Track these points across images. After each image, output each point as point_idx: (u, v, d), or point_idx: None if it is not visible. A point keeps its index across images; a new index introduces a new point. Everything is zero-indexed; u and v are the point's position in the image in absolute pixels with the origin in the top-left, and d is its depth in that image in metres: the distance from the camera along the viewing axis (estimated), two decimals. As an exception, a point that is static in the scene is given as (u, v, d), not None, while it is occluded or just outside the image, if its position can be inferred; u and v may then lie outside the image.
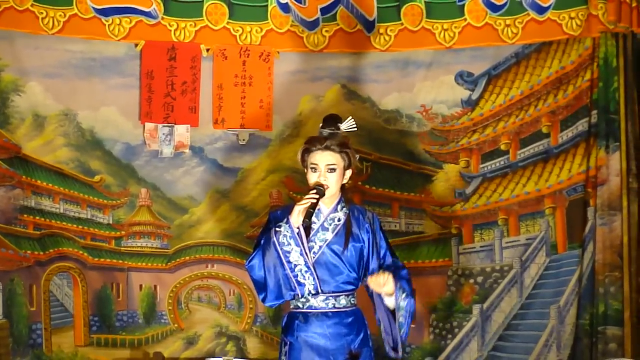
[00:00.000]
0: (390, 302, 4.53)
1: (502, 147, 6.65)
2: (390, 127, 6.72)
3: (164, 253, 6.73)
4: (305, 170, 4.60)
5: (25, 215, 6.48)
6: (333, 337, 4.58)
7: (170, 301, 6.71)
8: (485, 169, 6.69)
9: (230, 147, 6.69)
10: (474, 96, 6.69)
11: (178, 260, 6.73)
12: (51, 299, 6.54)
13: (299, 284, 4.55)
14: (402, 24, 6.60)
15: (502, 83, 6.68)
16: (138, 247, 6.72)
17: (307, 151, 4.57)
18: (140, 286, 6.71)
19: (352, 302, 4.65)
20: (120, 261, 6.70)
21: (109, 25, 6.49)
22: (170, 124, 6.60)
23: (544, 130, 6.57)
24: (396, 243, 6.61)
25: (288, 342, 4.62)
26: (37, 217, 6.51)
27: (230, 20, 6.60)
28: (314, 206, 4.46)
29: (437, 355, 6.61)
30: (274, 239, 4.52)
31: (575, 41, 6.50)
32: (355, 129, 4.68)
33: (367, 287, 4.63)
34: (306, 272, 4.55)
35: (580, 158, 6.46)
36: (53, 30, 6.40)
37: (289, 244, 4.51)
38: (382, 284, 4.42)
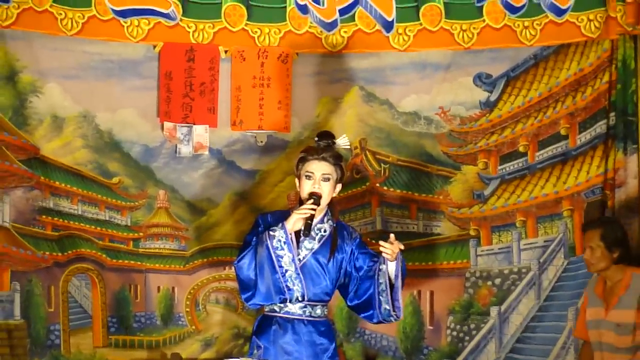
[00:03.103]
0: (391, 266, 4.71)
1: (521, 148, 6.64)
2: (408, 129, 6.72)
3: (182, 255, 6.73)
4: (298, 179, 4.78)
5: (44, 217, 6.49)
6: (308, 345, 4.77)
7: (188, 303, 6.71)
8: (504, 170, 6.68)
9: (248, 149, 6.69)
10: (493, 98, 6.68)
11: (196, 262, 6.73)
12: (69, 300, 6.55)
13: (289, 289, 4.70)
14: (420, 24, 6.59)
15: (520, 85, 6.67)
16: (156, 248, 6.72)
17: (303, 160, 4.78)
18: (158, 288, 6.72)
19: (325, 312, 4.87)
20: (139, 263, 6.70)
21: (127, 26, 6.49)
22: (188, 124, 6.59)
23: (563, 132, 6.56)
24: (414, 245, 6.67)
25: (262, 346, 4.77)
26: (56, 218, 6.51)
27: (249, 22, 6.58)
28: (311, 217, 4.58)
29: (454, 358, 6.61)
30: (268, 242, 4.65)
31: (594, 43, 6.48)
32: (349, 146, 4.94)
33: (349, 292, 4.82)
34: (295, 278, 4.70)
35: (598, 160, 6.45)
36: (72, 31, 6.40)
37: (283, 248, 4.66)
38: (392, 247, 4.63)
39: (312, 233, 4.75)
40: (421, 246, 6.63)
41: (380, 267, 4.72)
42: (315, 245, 4.78)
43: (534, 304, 6.55)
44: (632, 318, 5.48)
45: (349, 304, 4.92)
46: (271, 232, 4.69)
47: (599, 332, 5.64)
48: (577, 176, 6.50)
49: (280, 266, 4.69)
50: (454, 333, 6.64)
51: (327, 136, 4.86)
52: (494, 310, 6.58)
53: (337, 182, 4.81)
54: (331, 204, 4.87)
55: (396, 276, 4.70)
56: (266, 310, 4.85)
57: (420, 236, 6.69)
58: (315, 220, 4.76)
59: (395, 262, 4.69)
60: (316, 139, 4.86)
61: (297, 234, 4.73)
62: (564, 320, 6.45)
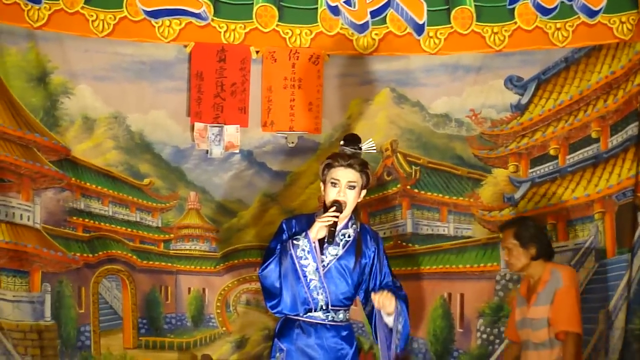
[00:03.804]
0: (389, 320, 4.71)
1: (552, 152, 6.64)
2: (439, 131, 6.71)
3: (213, 256, 6.73)
4: (323, 185, 4.76)
5: (75, 218, 6.50)
6: (329, 350, 4.77)
7: (218, 304, 6.72)
8: (534, 173, 6.67)
9: (279, 151, 6.68)
10: (524, 101, 6.67)
11: (226, 263, 6.73)
12: (100, 301, 6.56)
13: (313, 299, 4.69)
14: (452, 27, 6.58)
15: (551, 88, 6.66)
16: (187, 250, 6.72)
17: (329, 166, 4.76)
18: (189, 289, 6.73)
19: (347, 317, 4.87)
20: (169, 264, 6.70)
21: (158, 27, 6.48)
22: (219, 124, 6.59)
23: (594, 135, 6.54)
24: (444, 247, 6.68)
25: (285, 349, 4.78)
26: (86, 220, 6.52)
27: (280, 23, 6.58)
28: (335, 224, 4.57)
29: (484, 360, 6.64)
30: (292, 251, 4.65)
31: (626, 45, 6.47)
32: (375, 150, 4.90)
33: (364, 303, 4.89)
34: (320, 287, 4.68)
35: (629, 163, 6.43)
36: (103, 33, 6.40)
37: (307, 258, 4.67)
38: (384, 302, 4.62)
39: (337, 239, 4.75)
40: (452, 249, 6.63)
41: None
42: (340, 251, 4.78)
43: (565, 307, 6.54)
44: (545, 313, 5.55)
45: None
46: (295, 241, 4.69)
47: (525, 332, 5.71)
48: (608, 179, 6.49)
49: (305, 276, 4.69)
50: (484, 336, 6.63)
51: (353, 141, 4.83)
52: (524, 314, 6.58)
53: (362, 188, 4.80)
54: (356, 209, 4.86)
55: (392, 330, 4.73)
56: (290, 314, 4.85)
57: (451, 239, 6.69)
58: (339, 226, 4.76)
59: (392, 316, 4.70)
60: (342, 143, 4.84)
61: (321, 240, 4.73)
62: (594, 323, 6.43)
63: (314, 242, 4.68)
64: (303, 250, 4.67)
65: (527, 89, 6.66)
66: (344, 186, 4.70)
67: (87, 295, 6.52)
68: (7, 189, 6.31)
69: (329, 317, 4.78)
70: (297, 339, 4.79)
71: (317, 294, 4.71)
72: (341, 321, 4.81)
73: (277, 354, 4.85)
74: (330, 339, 4.78)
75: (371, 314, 4.84)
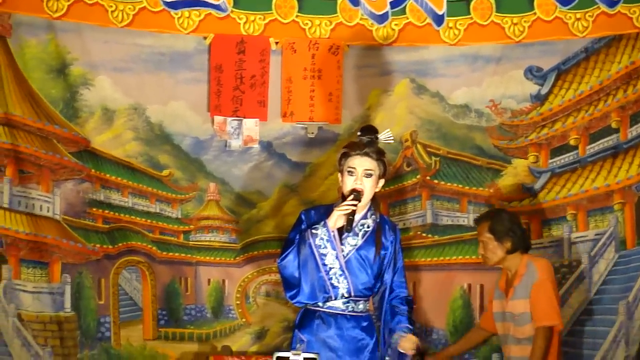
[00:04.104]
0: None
1: (572, 142, 6.62)
2: (459, 122, 6.70)
3: (232, 247, 6.73)
4: (340, 175, 4.76)
5: (94, 209, 6.50)
6: (350, 340, 4.80)
7: (238, 295, 6.72)
8: (554, 164, 6.66)
9: (298, 142, 6.68)
10: (543, 91, 6.66)
11: (246, 254, 6.73)
12: (120, 292, 6.56)
13: (333, 287, 4.71)
14: (471, 18, 6.57)
15: (571, 78, 6.64)
16: (206, 241, 6.72)
17: (345, 155, 4.78)
18: (209, 280, 6.72)
19: (367, 307, 4.91)
20: (189, 255, 6.70)
21: (178, 18, 6.48)
22: (239, 118, 6.58)
23: (614, 125, 6.52)
24: (464, 238, 6.66)
25: (305, 340, 4.80)
26: (106, 211, 6.52)
27: (300, 14, 6.57)
28: (353, 213, 4.57)
29: (504, 351, 6.61)
30: (310, 240, 4.66)
31: (646, 35, 6.48)
32: (392, 140, 4.90)
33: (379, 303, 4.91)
34: (340, 275, 4.70)
35: (649, 153, 6.44)
36: (122, 23, 6.39)
37: (326, 246, 4.67)
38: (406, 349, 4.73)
39: (355, 229, 4.76)
40: (471, 239, 6.60)
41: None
42: (359, 241, 4.79)
43: (585, 298, 6.52)
44: (525, 307, 5.57)
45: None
46: (313, 231, 4.71)
47: (503, 325, 5.73)
48: (628, 169, 6.47)
49: (324, 264, 4.70)
50: (504, 326, 6.62)
51: (371, 131, 4.86)
52: (544, 304, 6.57)
53: (379, 177, 4.80)
54: (374, 199, 4.87)
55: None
56: (309, 304, 4.85)
57: (471, 229, 6.64)
58: (358, 216, 4.77)
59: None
60: (359, 133, 4.86)
61: (340, 230, 4.72)
62: (614, 314, 6.41)
63: (333, 231, 4.68)
64: (322, 239, 4.69)
65: (547, 80, 6.65)
66: (361, 174, 4.72)
67: (106, 287, 6.52)
68: (27, 180, 6.31)
69: (349, 307, 4.78)
70: (318, 329, 4.81)
71: (338, 282, 4.72)
72: (361, 312, 4.82)
73: (298, 345, 4.86)
74: (350, 330, 4.79)
75: (381, 300, 4.87)
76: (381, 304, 4.92)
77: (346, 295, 4.74)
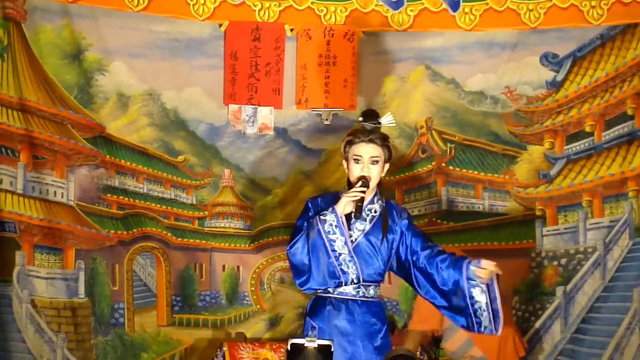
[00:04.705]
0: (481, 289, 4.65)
1: (587, 128, 6.62)
2: (474, 109, 6.70)
3: (247, 234, 6.73)
4: (346, 162, 4.76)
5: (109, 195, 6.49)
6: (361, 325, 4.73)
7: (252, 282, 6.72)
8: (570, 150, 6.66)
9: (313, 128, 6.67)
10: (559, 78, 6.66)
11: (261, 241, 6.73)
12: (134, 278, 6.56)
13: (343, 272, 4.68)
14: (487, 3, 6.56)
15: (587, 65, 6.64)
16: (221, 227, 6.73)
17: (350, 143, 4.75)
18: (223, 267, 6.72)
19: (378, 293, 4.82)
20: (204, 241, 6.70)
21: (193, 4, 6.46)
22: (253, 105, 6.57)
23: (629, 112, 6.51)
24: (480, 224, 6.66)
25: (317, 327, 4.76)
26: (121, 197, 6.52)
27: (315, 0, 6.56)
28: (362, 199, 4.58)
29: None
30: (319, 226, 4.63)
31: (661, 23, 6.47)
32: (394, 124, 4.80)
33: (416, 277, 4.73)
34: (349, 261, 4.67)
35: (665, 140, 6.44)
36: (138, 7, 6.37)
37: (334, 232, 4.64)
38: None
39: (363, 214, 4.75)
40: (487, 226, 6.62)
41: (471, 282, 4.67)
42: (367, 226, 4.77)
43: (599, 284, 6.52)
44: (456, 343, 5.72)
45: (424, 295, 4.82)
46: (322, 217, 4.69)
47: None
48: (643, 156, 6.49)
49: (334, 250, 4.68)
50: (520, 313, 6.64)
51: (373, 116, 4.80)
52: (559, 290, 6.57)
53: (385, 162, 4.79)
54: (380, 184, 4.85)
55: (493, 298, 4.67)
56: (320, 291, 4.84)
57: (486, 216, 6.68)
58: (365, 202, 4.76)
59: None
60: (361, 119, 4.81)
61: (348, 216, 4.72)
62: (628, 301, 6.42)
63: (341, 217, 4.67)
64: (331, 225, 4.66)
65: (563, 66, 6.65)
66: (367, 162, 4.69)
67: (121, 273, 6.52)
68: (42, 166, 6.29)
69: (360, 292, 4.76)
70: (329, 316, 4.78)
71: (347, 267, 4.69)
72: (372, 297, 4.78)
73: (310, 332, 4.83)
74: (361, 315, 4.76)
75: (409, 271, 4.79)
76: (411, 274, 4.79)
77: (356, 280, 4.72)
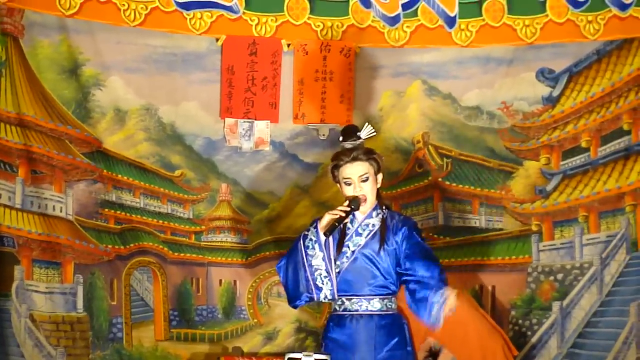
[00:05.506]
0: None
1: (583, 144, 6.62)
2: (470, 124, 6.71)
3: (244, 248, 6.74)
4: (339, 186, 4.77)
5: (106, 210, 6.50)
6: (363, 339, 4.74)
7: (249, 296, 6.72)
8: (566, 166, 6.66)
9: (310, 143, 6.68)
10: (555, 93, 6.66)
11: (258, 255, 6.74)
12: (131, 293, 6.57)
13: (317, 287, 4.69)
14: (483, 19, 6.59)
15: (583, 80, 6.64)
16: (218, 242, 6.73)
17: (336, 167, 4.80)
18: (220, 281, 6.73)
19: (389, 305, 4.79)
20: (200, 256, 6.71)
21: (190, 19, 6.49)
22: (250, 120, 6.59)
23: (625, 127, 6.52)
24: (476, 240, 6.66)
25: (322, 344, 4.87)
26: (118, 212, 6.53)
27: (312, 16, 6.59)
28: (341, 219, 4.55)
29: (516, 352, 6.62)
30: (301, 241, 4.64)
31: (658, 38, 6.48)
32: (374, 133, 4.81)
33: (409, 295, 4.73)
34: (325, 277, 4.69)
35: (661, 155, 6.45)
36: (134, 22, 6.40)
37: (313, 247, 4.66)
38: None
39: (359, 229, 4.75)
40: (483, 241, 6.63)
41: None
42: (362, 240, 4.77)
43: (596, 299, 6.52)
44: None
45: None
46: (306, 232, 4.71)
47: None
48: (639, 171, 6.48)
49: (310, 265, 4.67)
50: (516, 328, 6.63)
51: (351, 133, 4.81)
52: (556, 305, 6.56)
53: (376, 174, 4.78)
54: (379, 196, 4.84)
55: None
56: (331, 310, 4.87)
57: (482, 231, 6.69)
58: (361, 217, 4.77)
59: None
60: (340, 139, 4.82)
61: (343, 233, 4.72)
62: (626, 316, 6.42)
63: (323, 234, 4.66)
64: (311, 240, 4.68)
65: (559, 82, 6.66)
66: (357, 181, 4.71)
67: (119, 287, 6.53)
68: (40, 181, 6.30)
69: (362, 306, 4.75)
70: (332, 332, 4.82)
71: (322, 283, 4.68)
72: (379, 310, 4.75)
73: (322, 349, 4.88)
74: (363, 328, 4.76)
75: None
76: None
77: (330, 297, 4.70)
